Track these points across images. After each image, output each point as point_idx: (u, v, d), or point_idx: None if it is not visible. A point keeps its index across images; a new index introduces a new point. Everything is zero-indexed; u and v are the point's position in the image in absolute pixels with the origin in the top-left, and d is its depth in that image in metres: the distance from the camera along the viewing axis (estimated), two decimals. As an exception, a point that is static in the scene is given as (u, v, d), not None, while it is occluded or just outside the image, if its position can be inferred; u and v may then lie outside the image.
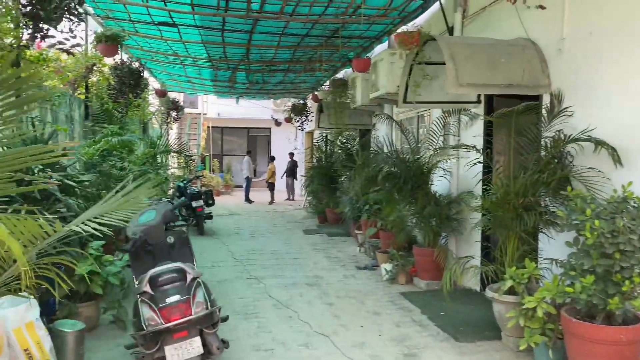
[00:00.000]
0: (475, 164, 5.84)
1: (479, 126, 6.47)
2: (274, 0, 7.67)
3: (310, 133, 18.56)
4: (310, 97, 13.62)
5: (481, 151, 5.61)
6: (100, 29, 8.61)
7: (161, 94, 12.97)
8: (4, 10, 5.11)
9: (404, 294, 6.52)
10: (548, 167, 4.56)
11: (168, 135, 14.21)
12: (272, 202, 18.38)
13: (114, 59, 8.12)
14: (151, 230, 4.34)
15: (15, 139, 4.47)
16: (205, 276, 7.42)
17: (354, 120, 11.39)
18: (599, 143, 4.27)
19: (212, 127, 23.19)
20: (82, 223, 3.19)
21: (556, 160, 4.70)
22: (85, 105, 8.43)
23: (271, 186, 18.85)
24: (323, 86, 13.50)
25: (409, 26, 8.25)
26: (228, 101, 20.55)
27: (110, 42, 6.32)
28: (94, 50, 6.53)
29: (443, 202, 6.82)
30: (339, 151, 12.02)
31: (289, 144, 19.41)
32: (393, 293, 6.59)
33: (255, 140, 25.80)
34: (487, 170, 6.26)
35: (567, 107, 4.68)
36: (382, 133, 10.38)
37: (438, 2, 7.05)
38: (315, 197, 13.69)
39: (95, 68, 8.66)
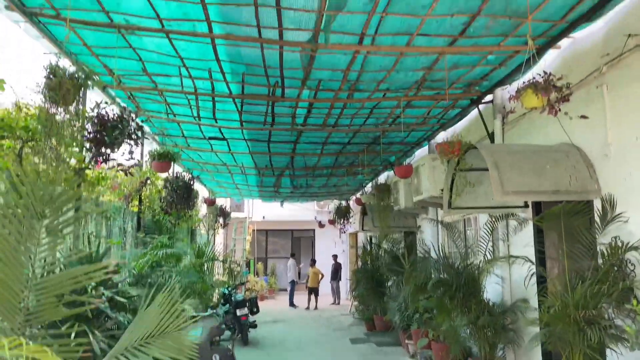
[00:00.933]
0: (529, 271, 5.61)
1: (528, 230, 6.30)
2: (317, 114, 8.08)
3: (354, 234, 18.54)
4: (354, 200, 13.77)
5: (533, 260, 5.41)
6: (154, 146, 9.24)
7: (210, 202, 13.43)
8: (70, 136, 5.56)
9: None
10: (607, 277, 4.32)
11: (214, 241, 14.45)
12: (315, 307, 17.59)
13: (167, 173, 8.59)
14: (198, 349, 4.28)
15: (72, 258, 4.66)
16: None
17: (398, 222, 11.34)
18: (661, 251, 4.06)
19: (257, 229, 23.53)
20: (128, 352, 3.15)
21: (616, 269, 4.46)
22: (137, 217, 8.79)
23: (313, 291, 17.92)
24: (365, 190, 13.69)
25: (448, 132, 8.45)
26: (273, 204, 21.06)
27: (163, 159, 6.71)
28: (148, 166, 6.95)
29: (497, 311, 6.49)
30: (384, 254, 11.85)
31: (334, 245, 19.32)
32: (450, 413, 6.12)
33: (299, 242, 25.87)
34: (542, 278, 6.00)
35: (621, 213, 4.53)
36: (428, 236, 10.25)
37: (476, 109, 7.23)
38: (362, 302, 13.32)
39: (148, 182, 9.15)
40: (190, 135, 9.40)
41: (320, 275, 17.95)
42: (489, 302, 6.63)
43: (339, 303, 18.33)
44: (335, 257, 19.44)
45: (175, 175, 8.45)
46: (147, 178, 9.01)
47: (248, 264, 21.75)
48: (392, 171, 11.11)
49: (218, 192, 17.84)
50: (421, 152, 10.35)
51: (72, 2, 4.46)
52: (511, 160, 5.10)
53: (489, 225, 6.68)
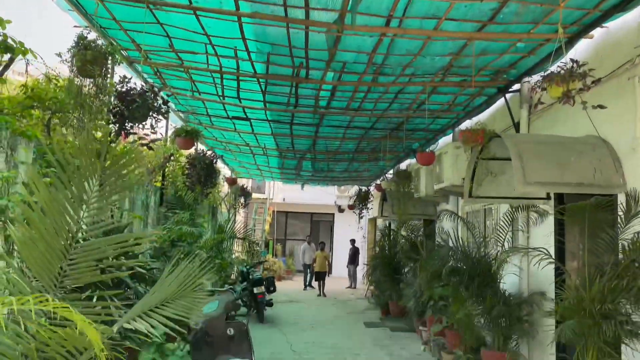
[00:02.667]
0: (547, 263, 5.55)
1: (549, 223, 6.22)
2: (341, 97, 8.05)
3: (374, 220, 18.53)
4: (374, 186, 13.72)
5: (552, 252, 5.34)
6: (179, 123, 9.35)
7: (231, 181, 13.55)
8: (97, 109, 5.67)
9: (471, 401, 6.06)
10: (627, 272, 4.26)
11: (235, 220, 14.62)
12: (322, 294, 16.63)
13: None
14: (213, 322, 4.40)
15: (100, 229, 4.79)
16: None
17: (417, 210, 11.30)
18: (684, 249, 3.97)
19: (277, 211, 23.71)
20: (144, 313, 3.26)
21: (636, 265, 4.39)
22: (160, 193, 8.93)
23: (321, 276, 17.09)
24: (386, 176, 13.63)
25: (474, 120, 8.34)
26: (293, 186, 21.16)
27: (188, 136, 6.79)
28: (172, 142, 7.03)
29: (513, 302, 6.45)
30: (403, 241, 11.84)
31: (353, 230, 19.26)
32: (459, 400, 6.15)
33: (318, 225, 25.99)
34: (561, 270, 5.94)
35: (645, 209, 4.44)
36: (448, 225, 10.19)
37: (503, 98, 7.11)
38: (378, 288, 13.37)
39: (172, 158, 9.26)
40: (214, 114, 9.48)
41: (328, 260, 17.59)
42: (505, 292, 6.59)
43: (355, 287, 18.46)
44: (352, 241, 19.47)
45: (198, 152, 8.54)
46: (171, 154, 9.13)
47: (267, 245, 21.98)
48: (414, 158, 11.06)
49: (240, 172, 18.00)
50: (445, 140, 10.23)
51: (103, -24, 4.52)
52: (535, 151, 5.03)
53: (508, 216, 6.61)
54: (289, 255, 23.69)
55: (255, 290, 11.01)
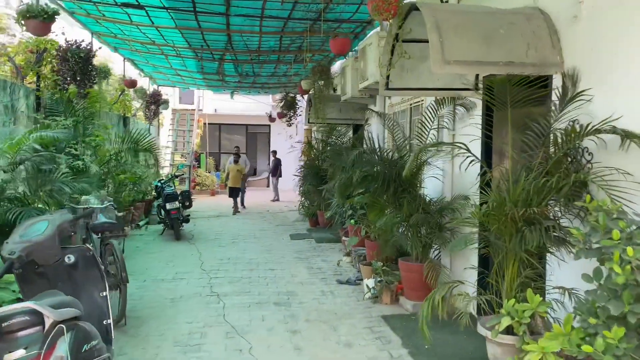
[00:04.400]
0: (471, 163, 4.77)
1: (477, 118, 5.40)
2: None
3: (310, 130, 17.52)
4: (298, 89, 12.32)
5: (479, 150, 4.53)
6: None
7: (130, 84, 11.92)
8: None
9: (386, 317, 5.46)
10: (558, 168, 3.49)
11: (148, 131, 13.19)
12: (235, 212, 14.49)
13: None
14: (37, 248, 3.34)
15: None
16: (161, 291, 6.52)
17: (345, 114, 10.36)
18: (627, 136, 3.19)
19: (209, 123, 22.24)
20: None
21: (569, 160, 3.63)
22: (36, 95, 7.47)
23: (233, 192, 14.82)
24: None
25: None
26: (225, 97, 19.63)
27: (40, 18, 5.34)
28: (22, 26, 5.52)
29: (434, 208, 5.75)
30: (329, 148, 10.96)
31: (288, 141, 18.14)
32: (374, 316, 5.54)
33: (255, 138, 24.82)
34: (485, 171, 5.22)
35: (584, 90, 3.60)
36: (375, 129, 9.34)
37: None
38: (307, 199, 12.67)
39: (46, 53, 7.69)
40: (99, 1, 7.86)
41: (243, 174, 15.19)
42: (426, 198, 5.87)
43: (278, 199, 17.75)
44: (274, 152, 18.64)
45: (70, 44, 7.03)
46: (45, 49, 7.56)
47: (198, 159, 20.74)
48: (343, 58, 9.93)
49: (159, 79, 16.30)
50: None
51: None
52: (457, 22, 4.02)
53: (431, 110, 5.72)
54: (222, 169, 22.59)
55: (168, 206, 9.99)
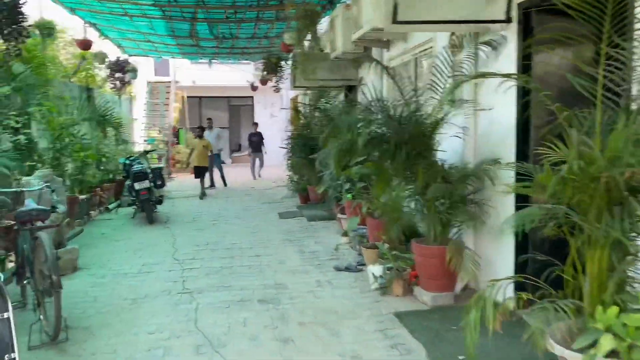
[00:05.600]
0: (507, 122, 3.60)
1: (509, 60, 4.22)
2: None
3: (296, 98, 16.19)
4: (281, 47, 10.80)
5: (514, 101, 3.36)
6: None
7: (83, 45, 10.38)
8: None
9: (400, 315, 4.35)
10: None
11: (119, 105, 11.84)
12: (202, 196, 12.19)
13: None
14: None
15: None
16: (122, 290, 5.24)
17: (336, 74, 9.10)
18: None
19: (188, 96, 20.77)
20: None
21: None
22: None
23: (199, 171, 12.52)
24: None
25: None
26: (203, 67, 18.15)
27: None
28: None
29: (455, 176, 4.60)
30: (320, 115, 9.73)
31: (269, 109, 16.67)
32: (385, 314, 4.42)
33: (238, 111, 23.43)
34: (526, 127, 4.08)
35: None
36: (370, 89, 8.10)
37: None
38: (296, 172, 11.48)
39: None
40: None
41: (210, 150, 12.85)
42: (444, 165, 4.71)
43: (259, 176, 16.11)
44: (255, 125, 16.84)
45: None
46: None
47: (177, 134, 19.35)
48: (331, 11, 8.62)
49: (128, 47, 14.78)
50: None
51: None
52: None
53: (447, 53, 4.50)
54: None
55: (137, 186, 8.75)
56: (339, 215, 7.70)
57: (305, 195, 10.71)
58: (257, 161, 16.18)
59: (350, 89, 9.64)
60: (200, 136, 12.90)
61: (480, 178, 4.53)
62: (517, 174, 4.14)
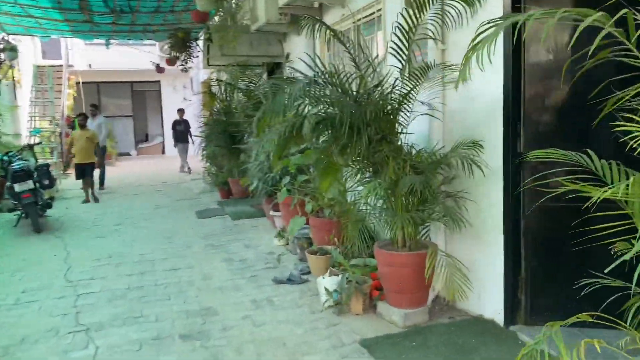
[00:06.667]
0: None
1: (489, 12, 3.37)
2: None
3: (209, 81, 14.71)
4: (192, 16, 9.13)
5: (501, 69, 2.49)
6: None
7: None
8: None
9: (367, 344, 3.39)
10: None
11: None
12: (87, 200, 9.82)
13: None
14: None
15: None
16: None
17: (257, 50, 7.96)
18: None
19: (83, 82, 18.46)
20: None
21: None
22: None
23: (82, 171, 9.80)
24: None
25: None
26: (100, 48, 16.02)
27: None
28: None
29: (425, 162, 3.71)
30: (242, 97, 8.55)
31: (181, 92, 14.99)
32: (347, 344, 3.44)
33: (143, 97, 21.38)
34: (516, 98, 3.28)
35: None
36: (303, 66, 7.06)
37: None
38: (214, 164, 10.23)
39: None
40: None
41: (95, 143, 10.24)
42: (412, 150, 3.81)
43: (189, 171, 14.49)
44: (181, 112, 15.01)
45: None
46: None
47: (72, 124, 17.08)
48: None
49: (6, 24, 12.51)
50: None
51: None
52: None
53: (409, 14, 3.55)
54: (107, 136, 19.07)
55: (17, 187, 7.09)
56: (272, 213, 6.63)
57: (227, 190, 9.52)
58: (182, 152, 14.58)
59: (274, 68, 8.53)
60: (83, 126, 10.28)
61: (454, 165, 3.70)
62: (505, 159, 3.36)
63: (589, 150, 2.16)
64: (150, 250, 6.14)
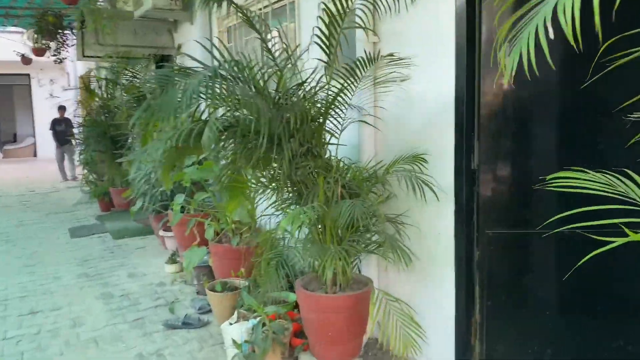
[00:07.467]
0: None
1: (432, 6, 2.76)
2: None
3: (89, 73, 12.93)
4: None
5: (447, 67, 1.86)
6: None
7: None
8: None
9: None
10: None
11: None
12: None
13: None
14: None
15: None
16: None
17: (143, 39, 6.84)
18: None
19: None
20: None
21: None
22: None
23: None
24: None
25: None
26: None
27: None
28: None
29: (357, 180, 3.00)
30: (124, 95, 7.33)
31: (51, 90, 13.07)
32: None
33: (10, 93, 18.76)
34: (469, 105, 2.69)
35: None
36: (198, 58, 6.08)
37: None
38: (93, 171, 8.84)
39: None
40: None
41: None
42: (343, 165, 3.08)
43: (75, 178, 12.32)
44: (62, 109, 12.77)
45: None
46: None
47: None
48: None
49: None
50: None
51: None
52: None
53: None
54: None
55: None
56: (162, 233, 5.60)
57: (108, 201, 8.21)
58: (66, 157, 12.50)
59: (163, 61, 7.42)
60: None
61: (388, 184, 3.05)
62: (457, 176, 2.77)
63: (629, 171, 1.56)
64: (3, 286, 4.84)
